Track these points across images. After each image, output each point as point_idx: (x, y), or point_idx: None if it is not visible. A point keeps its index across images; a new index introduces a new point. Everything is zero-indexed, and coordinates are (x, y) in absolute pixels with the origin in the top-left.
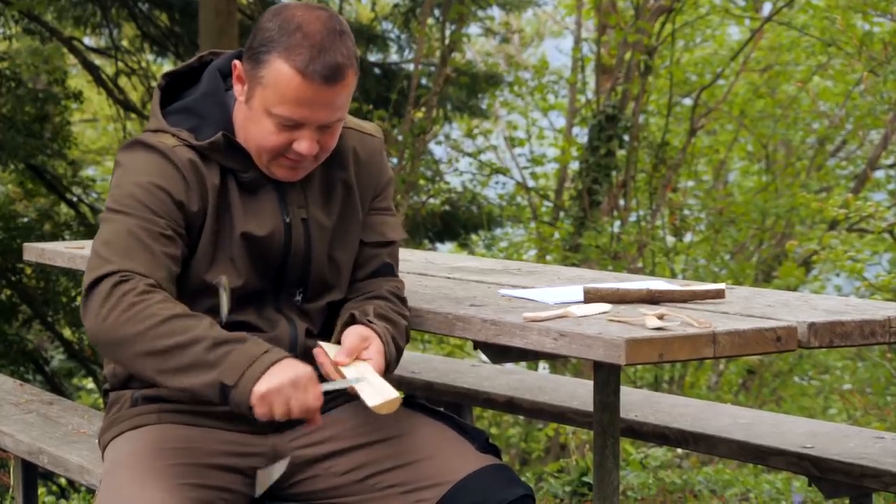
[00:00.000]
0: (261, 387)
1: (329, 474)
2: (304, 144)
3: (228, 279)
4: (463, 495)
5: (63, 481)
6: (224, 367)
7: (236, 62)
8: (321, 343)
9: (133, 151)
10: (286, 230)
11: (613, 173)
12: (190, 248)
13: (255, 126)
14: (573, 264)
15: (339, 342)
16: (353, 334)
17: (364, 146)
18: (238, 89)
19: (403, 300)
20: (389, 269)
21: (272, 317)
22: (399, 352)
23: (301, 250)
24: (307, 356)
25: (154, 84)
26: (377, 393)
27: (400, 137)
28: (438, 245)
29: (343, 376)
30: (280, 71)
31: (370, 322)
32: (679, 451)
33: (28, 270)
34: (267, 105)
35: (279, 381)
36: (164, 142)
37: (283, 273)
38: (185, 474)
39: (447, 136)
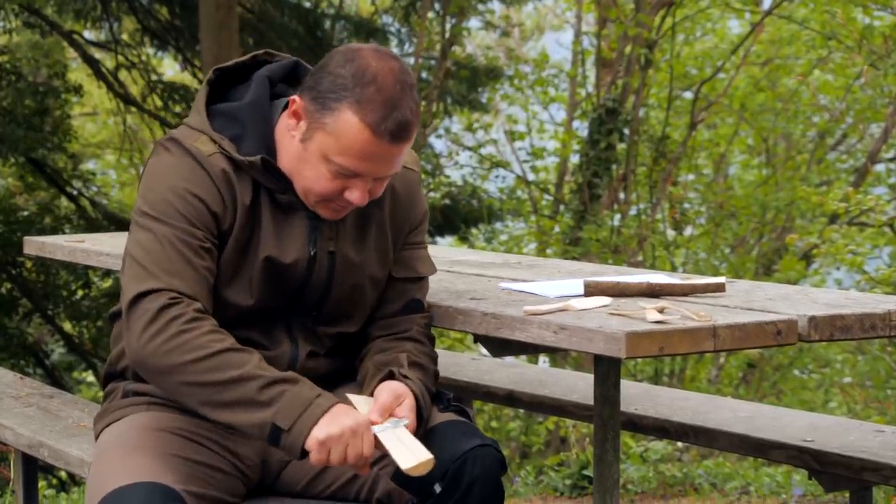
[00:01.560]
0: (319, 433)
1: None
2: (356, 195)
3: (245, 297)
4: None
5: (63, 475)
6: (278, 408)
7: (296, 98)
8: (350, 396)
9: (170, 151)
10: (310, 262)
11: (614, 167)
12: None
13: (308, 168)
14: (573, 258)
15: (370, 394)
16: (386, 391)
17: (403, 182)
18: (292, 124)
19: (433, 339)
20: (419, 306)
21: (278, 336)
22: (431, 396)
23: (322, 282)
24: (307, 377)
25: (154, 78)
26: (411, 454)
27: None
28: (439, 239)
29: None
30: (349, 123)
31: (404, 377)
32: (679, 444)
33: (28, 264)
34: (327, 152)
35: (339, 429)
36: (200, 148)
37: (299, 299)
38: (174, 446)
39: (447, 130)
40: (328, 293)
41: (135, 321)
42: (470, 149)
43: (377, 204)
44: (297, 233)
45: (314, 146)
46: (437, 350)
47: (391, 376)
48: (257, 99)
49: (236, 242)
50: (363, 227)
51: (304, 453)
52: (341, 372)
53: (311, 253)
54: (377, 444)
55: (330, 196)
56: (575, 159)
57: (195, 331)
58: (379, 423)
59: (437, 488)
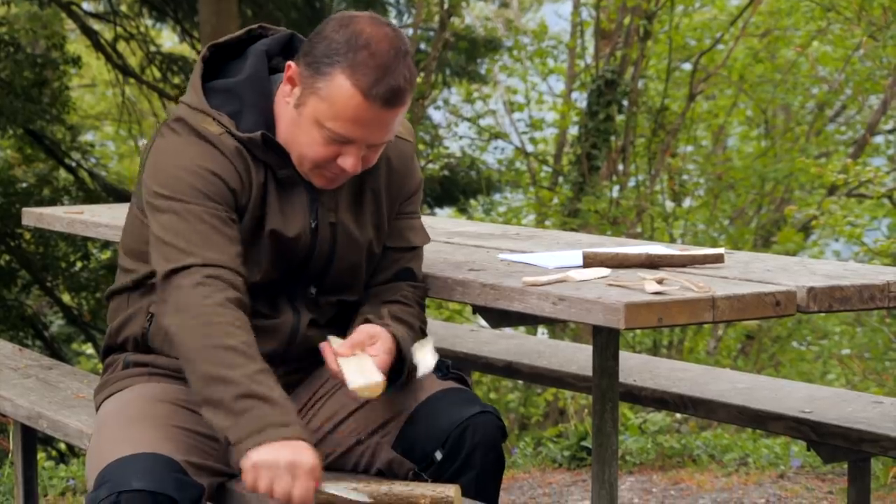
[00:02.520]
0: (255, 456)
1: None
2: (349, 161)
3: (253, 273)
4: (421, 418)
5: (63, 446)
6: (238, 421)
7: (291, 63)
8: (330, 337)
9: (177, 132)
10: (312, 233)
11: (612, 138)
12: None
13: (302, 133)
14: (572, 229)
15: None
16: (361, 330)
17: (398, 153)
18: (287, 90)
19: (422, 306)
20: (410, 275)
21: (281, 305)
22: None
23: (325, 253)
24: (307, 345)
25: (153, 49)
26: (361, 375)
27: None
28: (437, 210)
29: (339, 367)
30: (342, 87)
31: (384, 324)
32: (678, 415)
33: (27, 235)
34: (320, 117)
35: (274, 458)
36: (209, 128)
37: (302, 271)
38: (175, 417)
39: (446, 101)
40: (330, 263)
41: (170, 295)
42: (468, 120)
43: (372, 174)
44: (299, 206)
45: (308, 111)
46: (436, 322)
47: (367, 322)
48: (255, 73)
49: (249, 221)
50: (359, 198)
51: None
52: None
53: (313, 225)
54: (338, 367)
55: (323, 162)
56: (574, 131)
57: (221, 318)
58: (346, 354)
59: (438, 455)
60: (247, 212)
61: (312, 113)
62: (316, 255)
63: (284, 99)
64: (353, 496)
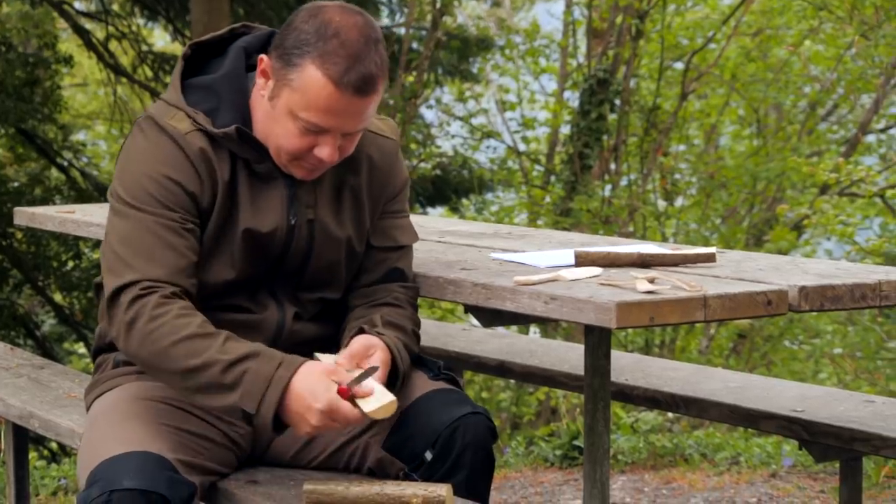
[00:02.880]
0: (287, 417)
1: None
2: (325, 151)
3: (227, 270)
4: (412, 418)
5: (54, 445)
6: (242, 391)
7: (263, 57)
8: (317, 354)
9: (145, 132)
10: (289, 230)
11: (604, 137)
12: None
13: (277, 126)
14: (564, 228)
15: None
16: (357, 342)
17: (380, 151)
18: (261, 84)
19: (414, 307)
20: (400, 274)
21: (264, 300)
22: (412, 356)
23: (302, 250)
24: (293, 339)
25: (144, 48)
26: (374, 399)
27: (391, 102)
28: (429, 209)
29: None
30: (313, 77)
31: (379, 333)
32: (670, 415)
33: (19, 235)
34: (293, 108)
35: (304, 407)
36: (177, 126)
37: (280, 267)
38: (165, 416)
39: (438, 101)
40: (308, 260)
41: (115, 317)
42: (461, 119)
43: (353, 172)
44: (276, 202)
45: (281, 103)
46: (428, 321)
47: (361, 332)
48: (232, 70)
49: (218, 219)
50: (339, 195)
51: (280, 426)
52: (326, 337)
53: (291, 222)
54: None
55: (300, 153)
56: (566, 130)
57: (162, 316)
58: (348, 368)
59: (428, 456)
60: (213, 211)
61: (286, 104)
62: (292, 251)
63: (259, 93)
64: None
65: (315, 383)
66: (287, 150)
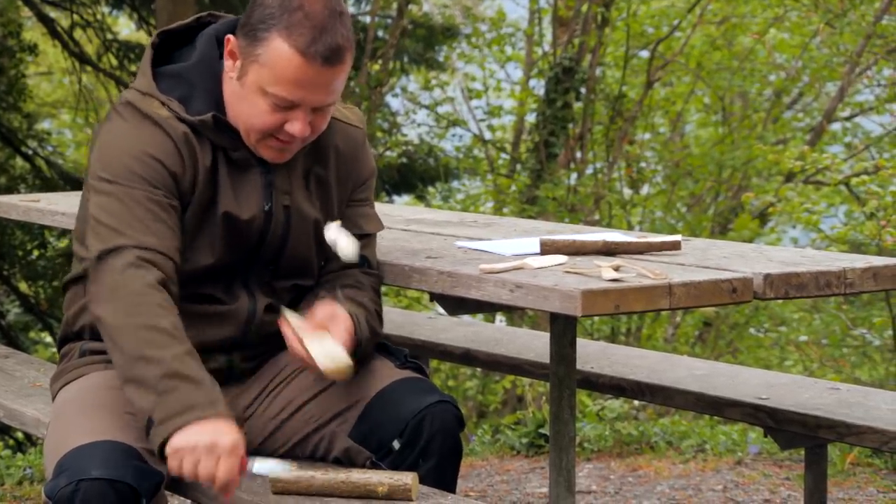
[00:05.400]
0: (177, 441)
1: (262, 417)
2: (296, 126)
3: (206, 255)
4: (379, 407)
5: (20, 435)
6: (162, 401)
7: (229, 37)
8: (285, 311)
9: (124, 116)
10: (266, 217)
11: (570, 125)
12: None
13: (246, 104)
14: (530, 216)
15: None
16: (322, 309)
17: (347, 140)
18: (229, 65)
19: (378, 292)
20: (364, 262)
21: (236, 291)
22: (374, 334)
23: (278, 237)
24: (263, 330)
25: (109, 36)
26: (329, 358)
27: (357, 90)
28: (395, 197)
29: (304, 346)
30: (279, 50)
31: (342, 304)
32: (636, 402)
33: None
34: (262, 84)
35: (195, 441)
36: (157, 112)
37: (256, 254)
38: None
39: (404, 89)
40: (284, 247)
41: (101, 276)
42: (427, 107)
43: (319, 162)
44: (253, 189)
45: (250, 81)
46: (394, 309)
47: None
48: (204, 57)
49: (198, 204)
50: (308, 184)
51: (162, 454)
52: None
53: (267, 208)
54: (304, 349)
55: (271, 130)
56: (531, 118)
57: (148, 299)
58: (310, 333)
59: (396, 445)
60: (194, 195)
61: (255, 81)
62: (269, 238)
63: (228, 74)
64: (278, 469)
65: (226, 435)
66: (258, 128)
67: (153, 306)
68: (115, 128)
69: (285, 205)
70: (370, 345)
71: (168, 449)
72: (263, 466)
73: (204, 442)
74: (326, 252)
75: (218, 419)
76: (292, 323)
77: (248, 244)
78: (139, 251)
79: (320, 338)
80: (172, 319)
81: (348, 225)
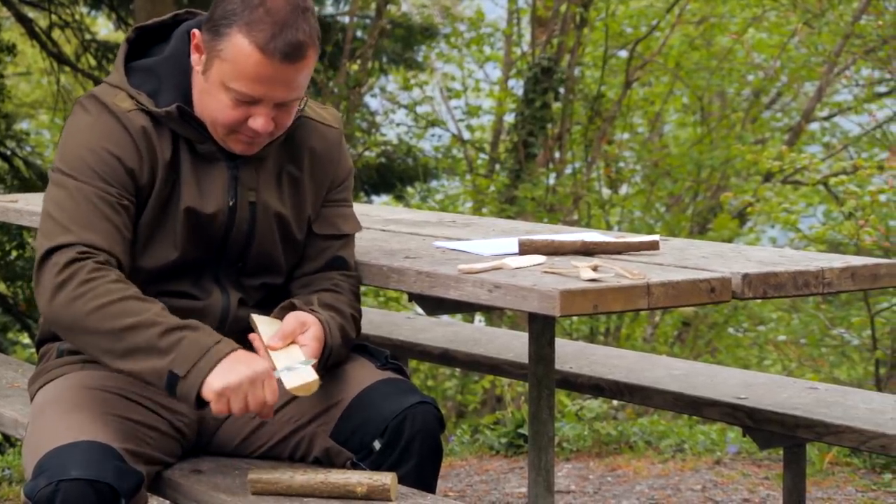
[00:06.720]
0: (216, 382)
1: (241, 418)
2: (259, 122)
3: (169, 250)
4: (360, 407)
5: None
6: (175, 355)
7: (195, 31)
8: (254, 316)
9: (87, 109)
10: (230, 212)
11: (549, 126)
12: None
13: (211, 99)
14: (509, 216)
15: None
16: (291, 318)
17: (322, 140)
18: (195, 59)
19: (356, 294)
20: (342, 263)
21: (208, 286)
22: (346, 341)
23: (243, 233)
24: (238, 326)
25: (88, 37)
26: (294, 374)
27: (335, 90)
28: (374, 197)
29: (271, 359)
30: (240, 46)
31: (313, 310)
32: (614, 402)
33: None
34: (224, 79)
35: (238, 378)
36: (119, 105)
37: (223, 249)
38: (110, 405)
39: (383, 89)
40: (250, 243)
41: (44, 275)
42: (405, 107)
43: (293, 163)
44: (218, 183)
45: (213, 75)
46: (373, 309)
47: (293, 308)
48: (175, 52)
49: (158, 198)
50: (280, 182)
51: (202, 402)
52: None
53: (231, 203)
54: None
55: (234, 125)
56: (510, 118)
57: (98, 280)
58: (278, 347)
59: (377, 445)
60: (153, 189)
61: (217, 76)
62: (234, 233)
63: (195, 68)
64: (301, 368)
65: (253, 362)
66: (222, 122)
67: (106, 284)
68: (77, 120)
69: (251, 201)
70: (342, 350)
71: (208, 394)
72: (289, 374)
73: (244, 375)
74: (297, 252)
75: (237, 350)
76: (261, 332)
77: (212, 239)
78: (82, 247)
79: (287, 352)
80: (131, 289)
81: (325, 226)
